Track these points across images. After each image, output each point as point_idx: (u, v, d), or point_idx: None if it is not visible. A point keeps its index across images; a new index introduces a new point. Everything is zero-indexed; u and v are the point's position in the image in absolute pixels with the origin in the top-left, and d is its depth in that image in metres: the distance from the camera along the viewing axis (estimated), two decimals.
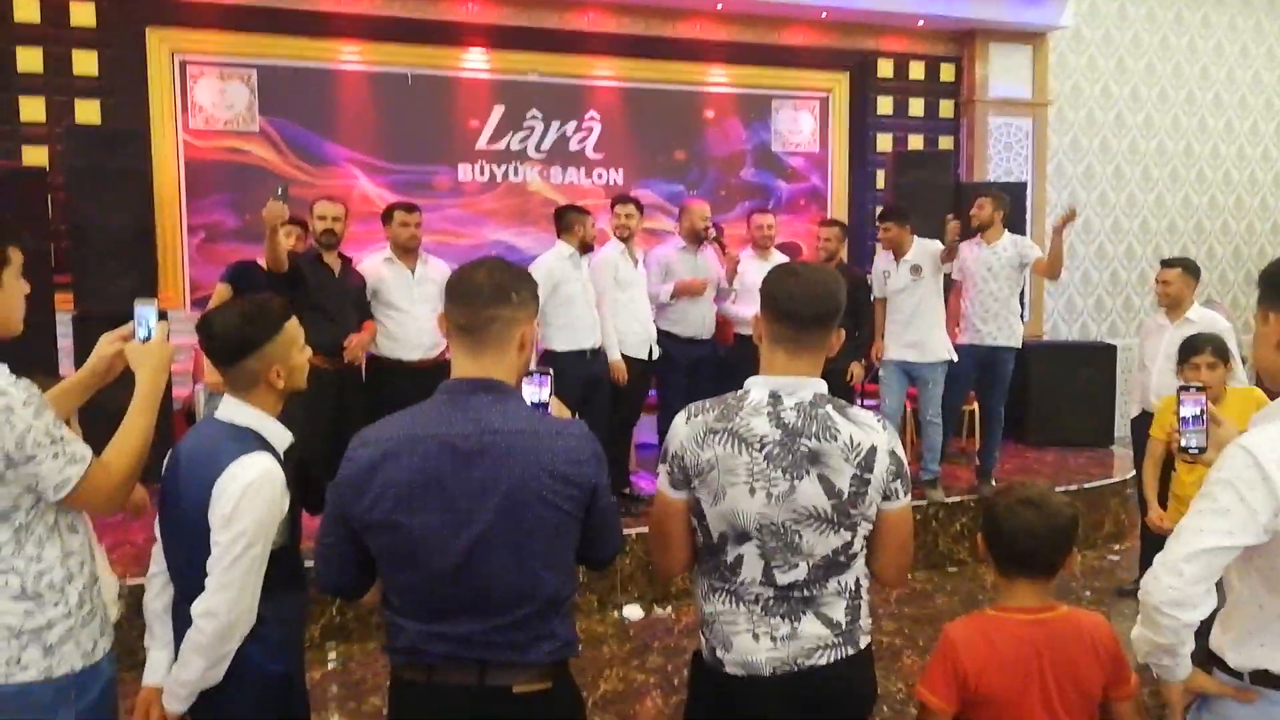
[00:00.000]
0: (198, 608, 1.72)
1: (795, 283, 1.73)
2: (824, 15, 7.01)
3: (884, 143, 7.55)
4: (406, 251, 4.59)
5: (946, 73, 7.66)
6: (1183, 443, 1.93)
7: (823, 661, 1.71)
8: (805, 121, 7.45)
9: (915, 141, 7.62)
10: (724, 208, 7.02)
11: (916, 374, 5.07)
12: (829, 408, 1.72)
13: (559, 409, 1.78)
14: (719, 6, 6.77)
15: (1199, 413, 1.92)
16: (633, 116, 6.93)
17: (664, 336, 5.14)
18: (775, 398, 1.73)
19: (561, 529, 1.57)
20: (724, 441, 1.71)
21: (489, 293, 1.61)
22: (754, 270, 5.17)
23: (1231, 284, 8.75)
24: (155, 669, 1.85)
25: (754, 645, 1.72)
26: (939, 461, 5.18)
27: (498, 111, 6.59)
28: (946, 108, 7.71)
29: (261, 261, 4.20)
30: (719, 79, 7.14)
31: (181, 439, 1.91)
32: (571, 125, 6.77)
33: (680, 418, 1.81)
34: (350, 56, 6.29)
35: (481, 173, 6.60)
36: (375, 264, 4.60)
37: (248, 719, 1.80)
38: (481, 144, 6.58)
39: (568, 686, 1.67)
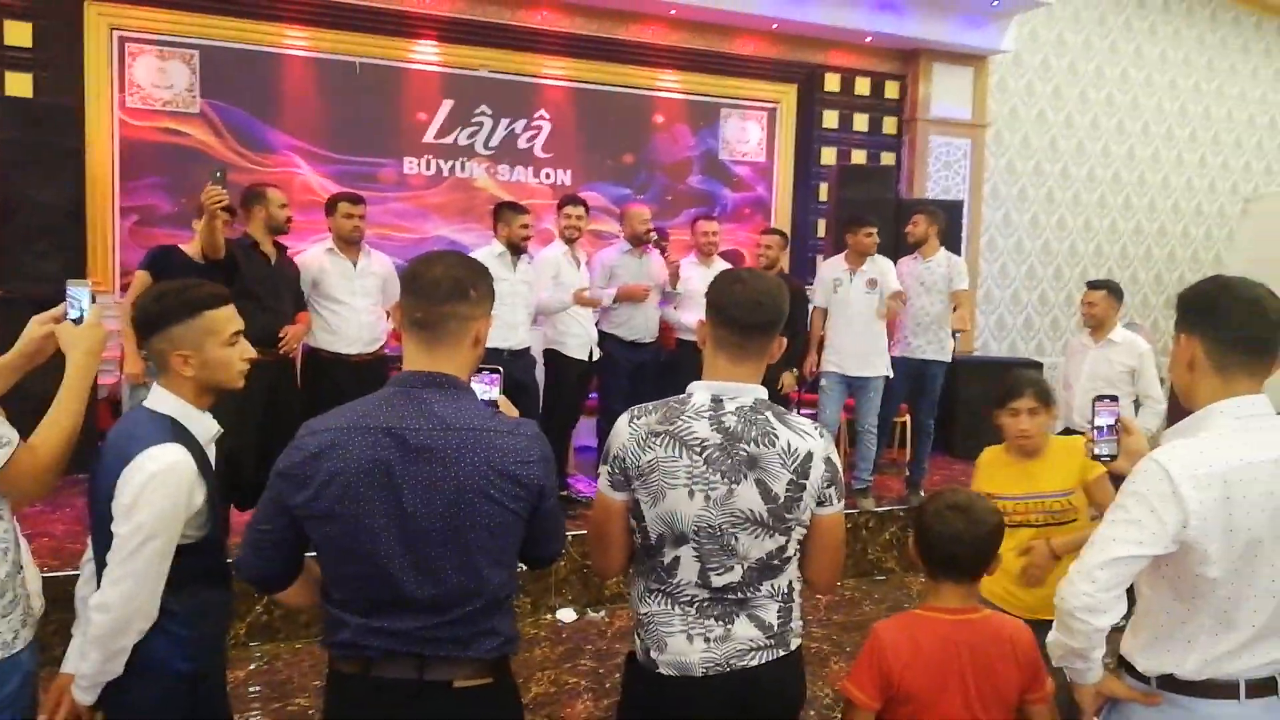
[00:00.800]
0: (94, 600, 1.67)
1: (741, 289, 1.77)
2: (774, 26, 7.12)
3: (828, 156, 7.69)
4: (349, 244, 4.52)
5: (891, 90, 7.83)
6: (1096, 450, 1.99)
7: (754, 663, 1.75)
8: (753, 131, 7.55)
9: (858, 156, 7.77)
10: (670, 213, 7.08)
11: (858, 385, 5.17)
12: (769, 414, 1.76)
13: (506, 408, 1.78)
14: (672, 12, 6.81)
15: (1113, 422, 2.00)
16: (582, 117, 6.94)
17: (607, 339, 5.16)
18: (717, 402, 1.77)
19: (507, 528, 1.58)
20: (665, 444, 1.74)
21: (447, 288, 1.60)
22: (697, 276, 5.22)
23: (1153, 307, 9.10)
24: (73, 657, 1.80)
25: (688, 646, 1.75)
26: (871, 471, 5.30)
27: (446, 106, 6.55)
28: (890, 124, 7.88)
29: (184, 247, 4.09)
30: (670, 84, 7.20)
31: (111, 427, 1.87)
32: (521, 123, 6.76)
33: (623, 419, 1.83)
34: (297, 41, 6.19)
35: (428, 167, 6.55)
36: (317, 255, 4.52)
37: (151, 716, 1.74)
38: (428, 138, 6.53)
39: (508, 682, 1.68)
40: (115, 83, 5.77)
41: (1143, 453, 1.83)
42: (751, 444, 1.73)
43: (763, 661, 1.76)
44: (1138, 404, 4.58)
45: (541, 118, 6.82)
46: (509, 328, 4.56)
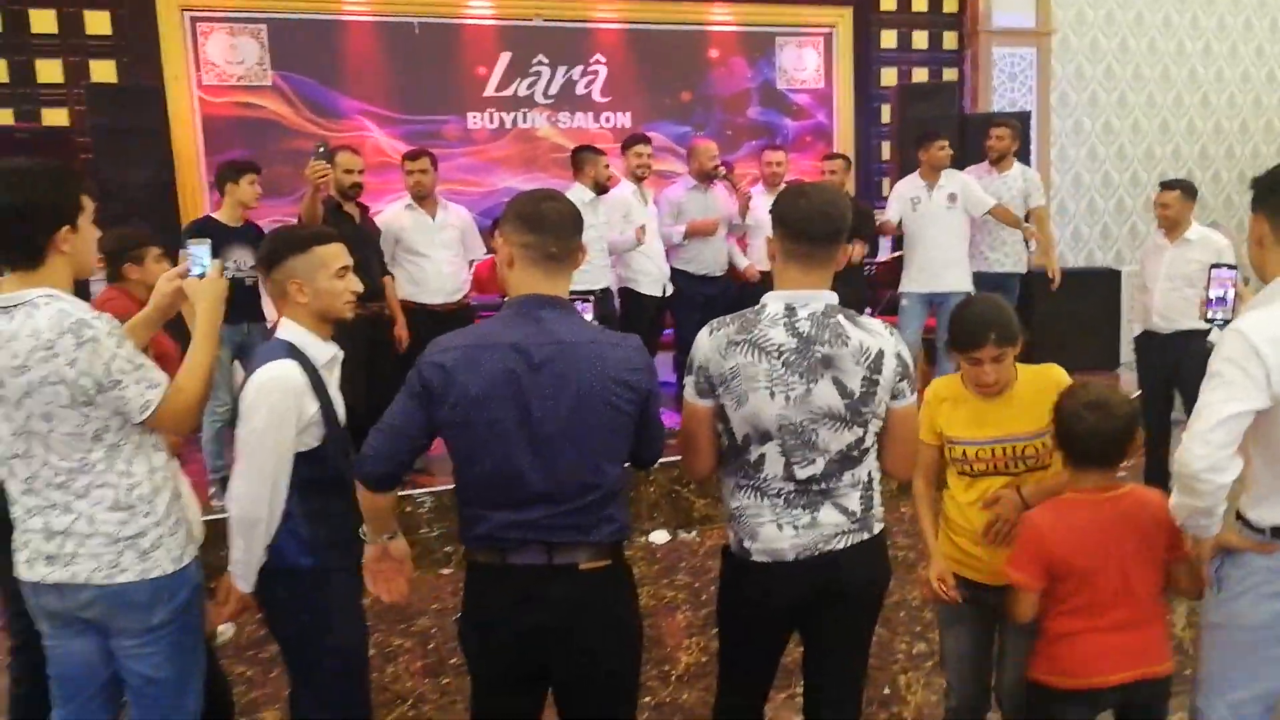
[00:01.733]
0: (227, 494, 1.97)
1: (805, 202, 1.89)
2: None
3: (888, 77, 7.58)
4: (423, 199, 4.71)
5: (950, 4, 7.65)
6: (1210, 315, 2.32)
7: (840, 545, 1.90)
8: (809, 58, 7.48)
9: (919, 75, 7.64)
10: (731, 147, 7.08)
11: (939, 302, 5.20)
12: (840, 317, 1.89)
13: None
14: None
15: (1226, 292, 2.32)
16: (638, 59, 6.98)
17: (678, 275, 5.28)
18: (790, 310, 1.89)
19: (620, 428, 1.77)
20: (745, 351, 1.88)
21: (572, 224, 1.81)
22: (763, 206, 5.28)
23: (1237, 207, 8.79)
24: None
25: (778, 534, 1.91)
26: None
27: (504, 58, 6.65)
28: (950, 39, 7.71)
29: (216, 214, 4.42)
30: (722, 17, 7.17)
31: None
32: (578, 70, 6.82)
33: (704, 332, 1.97)
34: (357, 7, 6.35)
35: (491, 120, 6.69)
36: (396, 212, 4.73)
37: (283, 603, 2.03)
38: (489, 91, 6.65)
39: (624, 565, 1.87)
40: (191, 62, 6.02)
41: None
42: (826, 345, 1.85)
43: (848, 545, 1.90)
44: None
45: (598, 62, 6.87)
46: (600, 269, 4.73)
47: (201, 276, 2.07)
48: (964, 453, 2.21)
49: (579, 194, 4.80)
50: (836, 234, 1.91)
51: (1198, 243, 4.51)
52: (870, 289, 5.82)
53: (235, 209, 4.49)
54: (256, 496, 1.93)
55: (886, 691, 3.14)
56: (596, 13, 6.84)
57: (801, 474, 1.90)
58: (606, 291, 4.91)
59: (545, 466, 1.71)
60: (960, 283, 5.20)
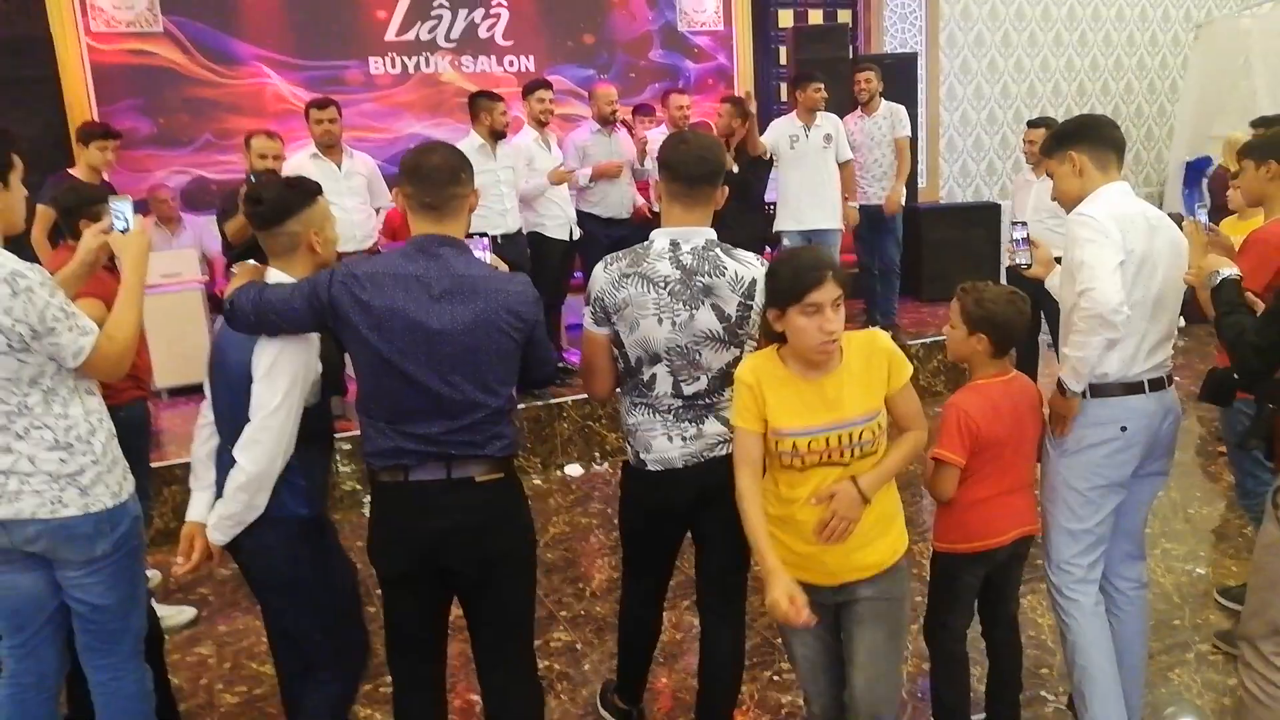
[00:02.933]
0: (241, 452, 1.97)
1: (685, 148, 2.12)
2: None
3: (785, 18, 7.79)
4: (329, 147, 4.76)
5: None
6: (1015, 259, 2.54)
7: (722, 453, 2.16)
8: (709, 0, 7.62)
9: (815, 16, 7.87)
10: (634, 90, 7.22)
11: (817, 237, 5.50)
12: (718, 250, 2.13)
13: (497, 264, 2.14)
14: None
15: (1025, 235, 2.55)
16: (539, 1, 7.01)
17: (585, 218, 5.45)
18: (674, 245, 2.12)
19: (509, 353, 1.97)
20: (635, 283, 2.11)
21: (447, 176, 1.96)
22: None
23: None
24: (198, 507, 2.16)
25: (669, 445, 2.17)
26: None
27: (404, 2, 6.62)
28: None
29: (75, 173, 4.65)
30: None
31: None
32: (479, 13, 6.83)
33: (599, 268, 2.19)
34: None
35: (393, 65, 6.67)
36: (301, 161, 4.75)
37: (281, 552, 2.08)
38: (390, 35, 6.63)
39: (514, 477, 2.08)
40: (78, 8, 5.84)
41: (1049, 259, 2.31)
42: (705, 276, 2.09)
43: (728, 452, 2.15)
44: None
45: (499, 5, 6.89)
46: (498, 215, 4.85)
47: (125, 231, 2.18)
48: (794, 445, 1.91)
49: (470, 141, 4.85)
50: (713, 175, 2.14)
51: None
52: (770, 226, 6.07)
53: (87, 171, 4.57)
54: (274, 455, 1.98)
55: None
56: None
57: (688, 390, 2.15)
58: (518, 234, 5.04)
59: (443, 385, 1.90)
60: (832, 220, 5.53)
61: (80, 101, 5.85)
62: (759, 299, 2.11)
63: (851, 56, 7.25)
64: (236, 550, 2.10)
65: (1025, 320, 2.25)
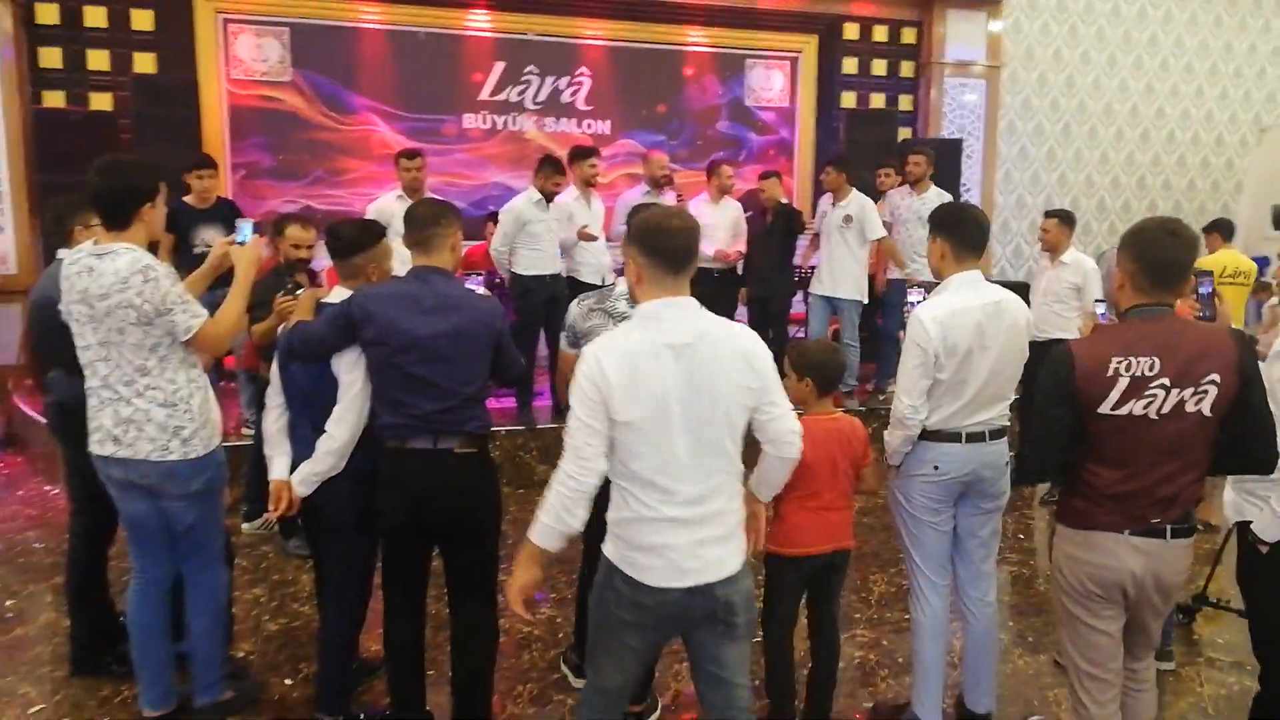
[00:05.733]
0: (332, 422, 2.61)
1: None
2: None
3: (848, 100, 8.37)
4: (414, 191, 5.52)
5: (908, 35, 8.44)
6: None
7: None
8: (776, 79, 8.28)
9: (877, 100, 8.43)
10: (700, 156, 7.89)
11: (836, 305, 6.02)
12: None
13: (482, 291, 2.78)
14: None
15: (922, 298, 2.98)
16: (619, 73, 7.80)
17: None
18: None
19: (482, 354, 2.58)
20: (599, 315, 2.73)
21: (425, 221, 2.59)
22: (708, 213, 6.09)
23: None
24: (280, 469, 2.73)
25: None
26: (856, 377, 6.17)
27: (498, 67, 7.49)
28: (908, 68, 8.49)
29: (188, 200, 5.28)
30: (697, 39, 7.98)
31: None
32: (564, 80, 7.66)
33: (574, 303, 2.81)
34: (371, 16, 7.19)
35: (484, 121, 7.53)
36: (389, 202, 5.52)
37: (347, 503, 2.73)
38: (484, 95, 7.50)
39: (488, 453, 2.68)
40: (222, 58, 6.88)
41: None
42: None
43: None
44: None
45: (583, 74, 7.70)
46: (548, 258, 5.51)
47: (242, 244, 2.88)
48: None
49: (529, 194, 5.49)
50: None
51: (1070, 265, 5.27)
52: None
53: (196, 196, 5.36)
54: (358, 425, 2.62)
55: None
56: (584, 30, 7.66)
57: None
58: (556, 276, 5.67)
59: (433, 376, 2.52)
60: (850, 291, 6.04)
61: (216, 138, 6.85)
62: None
63: (900, 140, 7.76)
64: (313, 498, 2.72)
65: (841, 366, 2.78)
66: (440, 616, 3.45)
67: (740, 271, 6.33)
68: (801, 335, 6.41)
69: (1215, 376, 2.09)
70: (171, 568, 2.87)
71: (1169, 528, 2.16)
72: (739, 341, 2.03)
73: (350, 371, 2.64)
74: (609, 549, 2.06)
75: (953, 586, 2.84)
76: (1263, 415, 2.14)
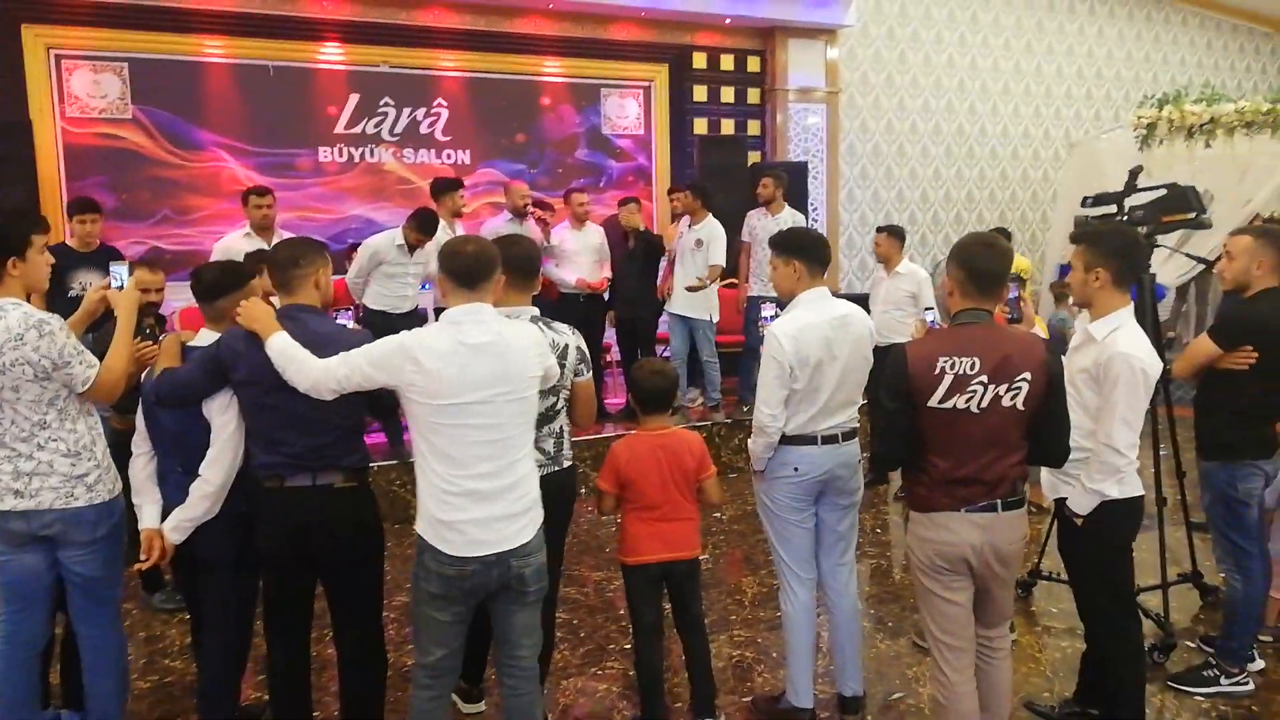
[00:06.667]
0: (207, 469, 2.60)
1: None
2: (643, 13, 8.09)
3: (700, 126, 8.71)
4: (262, 229, 5.46)
5: (753, 64, 8.85)
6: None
7: (544, 474, 2.81)
8: (631, 107, 8.54)
9: (727, 126, 8.80)
10: (561, 184, 8.04)
11: (692, 325, 6.28)
12: (540, 323, 2.81)
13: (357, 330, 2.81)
14: (550, 5, 7.75)
15: (775, 313, 3.18)
16: (477, 103, 7.87)
17: None
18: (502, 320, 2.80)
19: (360, 392, 2.58)
20: None
21: (285, 263, 2.63)
22: (570, 239, 6.25)
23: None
24: (150, 518, 2.72)
25: None
26: (719, 391, 6.43)
27: (353, 99, 7.44)
28: (754, 95, 8.90)
29: (70, 243, 5.21)
30: (553, 70, 8.14)
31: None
32: (421, 111, 7.67)
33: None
34: (215, 49, 7.01)
35: (340, 154, 7.45)
36: (235, 241, 5.42)
37: (223, 543, 2.71)
38: (339, 129, 7.42)
39: (368, 485, 2.71)
40: (55, 95, 6.57)
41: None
42: None
43: (547, 473, 2.80)
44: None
45: (440, 105, 7.74)
46: (400, 299, 5.50)
47: (120, 289, 2.83)
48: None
49: (393, 236, 5.49)
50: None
51: (905, 275, 5.72)
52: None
53: (79, 240, 5.25)
54: (231, 468, 2.63)
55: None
56: (439, 62, 7.70)
57: None
58: (411, 314, 5.64)
59: (309, 411, 2.53)
60: (703, 313, 6.29)
61: (52, 178, 6.52)
62: (572, 359, 2.84)
63: (749, 164, 8.14)
64: (187, 543, 2.69)
65: (665, 385, 2.97)
66: (323, 657, 3.45)
67: (607, 296, 6.50)
68: (668, 355, 6.62)
69: (1027, 375, 2.38)
70: (47, 630, 2.77)
71: (999, 502, 2.44)
72: (526, 340, 2.46)
73: (222, 414, 2.64)
74: (418, 526, 2.42)
75: (818, 580, 3.06)
76: (1058, 415, 2.46)
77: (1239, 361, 3.09)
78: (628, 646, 3.66)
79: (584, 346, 2.91)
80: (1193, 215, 3.72)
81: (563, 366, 2.81)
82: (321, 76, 7.38)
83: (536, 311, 2.87)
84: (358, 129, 7.48)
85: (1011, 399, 2.38)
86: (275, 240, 5.52)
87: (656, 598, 3.00)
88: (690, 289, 6.14)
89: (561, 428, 2.92)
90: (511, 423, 2.39)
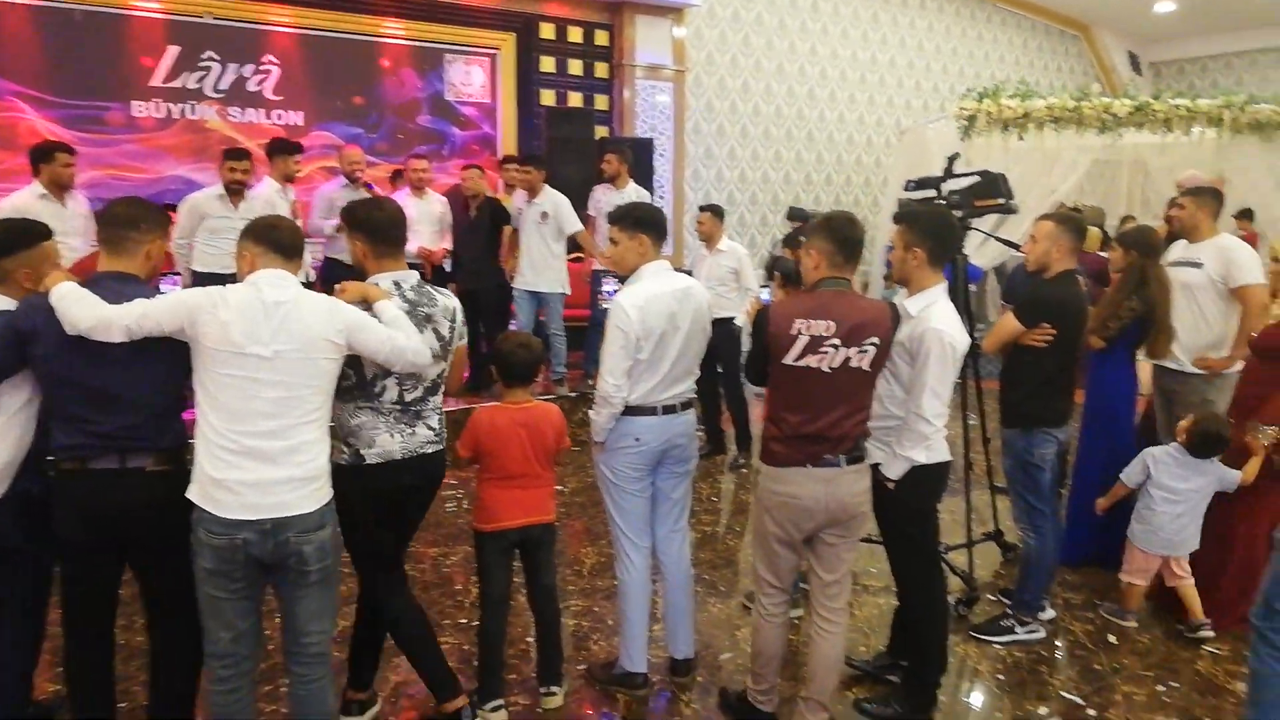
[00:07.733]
0: None
1: (382, 214, 2.71)
2: None
3: (548, 97, 8.63)
4: (61, 188, 5.03)
5: (601, 38, 8.84)
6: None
7: (429, 451, 2.72)
8: (477, 75, 8.36)
9: (575, 98, 8.76)
10: (402, 150, 7.80)
11: (541, 299, 6.24)
12: (428, 287, 2.73)
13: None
14: None
15: (616, 287, 3.18)
16: (311, 62, 7.50)
17: (333, 264, 5.92)
18: (398, 284, 2.67)
19: (179, 361, 2.37)
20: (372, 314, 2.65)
21: (126, 222, 2.42)
22: (411, 207, 6.05)
23: None
24: None
25: (391, 440, 2.65)
26: (564, 365, 6.43)
27: (172, 51, 6.93)
28: (602, 69, 8.90)
29: None
30: (394, 30, 7.86)
31: None
32: (250, 68, 7.24)
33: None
34: None
35: (158, 110, 6.93)
36: (27, 200, 4.96)
37: (16, 520, 2.47)
38: (156, 81, 6.91)
39: (184, 469, 2.50)
40: None
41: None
42: (426, 307, 2.67)
43: (433, 451, 2.73)
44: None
45: (270, 62, 7.32)
46: (230, 255, 5.21)
47: None
48: None
49: (215, 189, 5.29)
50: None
51: (727, 252, 5.83)
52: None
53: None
54: (20, 443, 2.42)
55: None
56: (269, 16, 7.28)
57: (408, 398, 2.68)
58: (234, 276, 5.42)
59: (118, 389, 2.32)
60: (554, 285, 6.30)
61: None
62: (458, 324, 2.78)
63: (598, 138, 8.14)
64: None
65: (530, 359, 2.97)
66: (131, 646, 3.23)
67: (449, 268, 6.36)
68: (515, 327, 6.55)
69: (875, 339, 2.58)
70: None
71: (843, 458, 2.63)
72: (325, 305, 2.41)
73: (16, 388, 2.40)
74: (190, 492, 2.30)
75: (652, 548, 3.12)
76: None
77: (1038, 338, 3.34)
78: (463, 621, 3.61)
79: (460, 310, 2.85)
80: (1002, 201, 3.98)
81: (453, 330, 2.76)
82: (135, 24, 6.84)
83: (417, 276, 2.76)
84: (177, 83, 6.99)
85: (860, 360, 2.56)
86: (71, 202, 5.10)
87: (508, 567, 2.99)
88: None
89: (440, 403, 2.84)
90: (301, 383, 2.32)
